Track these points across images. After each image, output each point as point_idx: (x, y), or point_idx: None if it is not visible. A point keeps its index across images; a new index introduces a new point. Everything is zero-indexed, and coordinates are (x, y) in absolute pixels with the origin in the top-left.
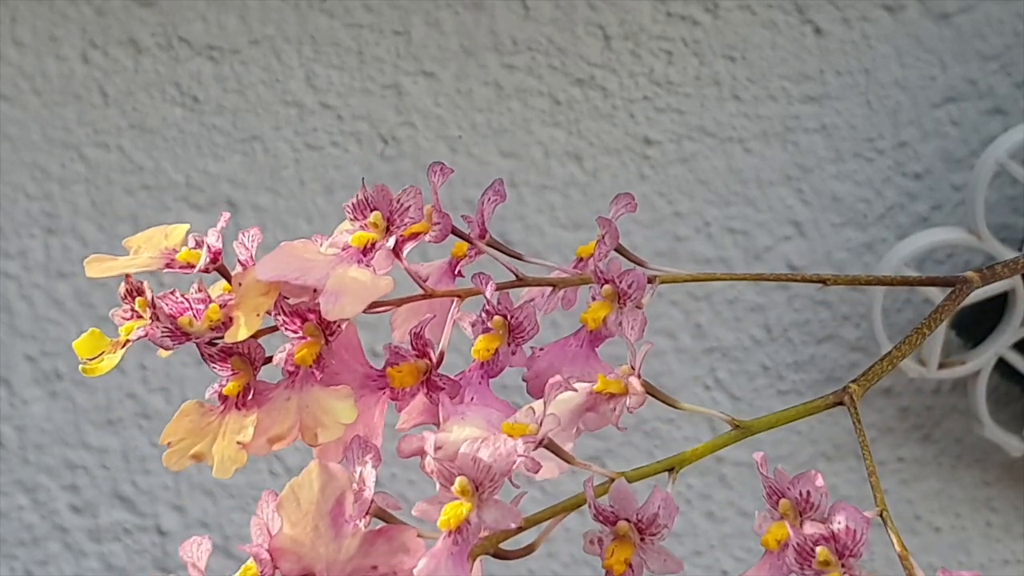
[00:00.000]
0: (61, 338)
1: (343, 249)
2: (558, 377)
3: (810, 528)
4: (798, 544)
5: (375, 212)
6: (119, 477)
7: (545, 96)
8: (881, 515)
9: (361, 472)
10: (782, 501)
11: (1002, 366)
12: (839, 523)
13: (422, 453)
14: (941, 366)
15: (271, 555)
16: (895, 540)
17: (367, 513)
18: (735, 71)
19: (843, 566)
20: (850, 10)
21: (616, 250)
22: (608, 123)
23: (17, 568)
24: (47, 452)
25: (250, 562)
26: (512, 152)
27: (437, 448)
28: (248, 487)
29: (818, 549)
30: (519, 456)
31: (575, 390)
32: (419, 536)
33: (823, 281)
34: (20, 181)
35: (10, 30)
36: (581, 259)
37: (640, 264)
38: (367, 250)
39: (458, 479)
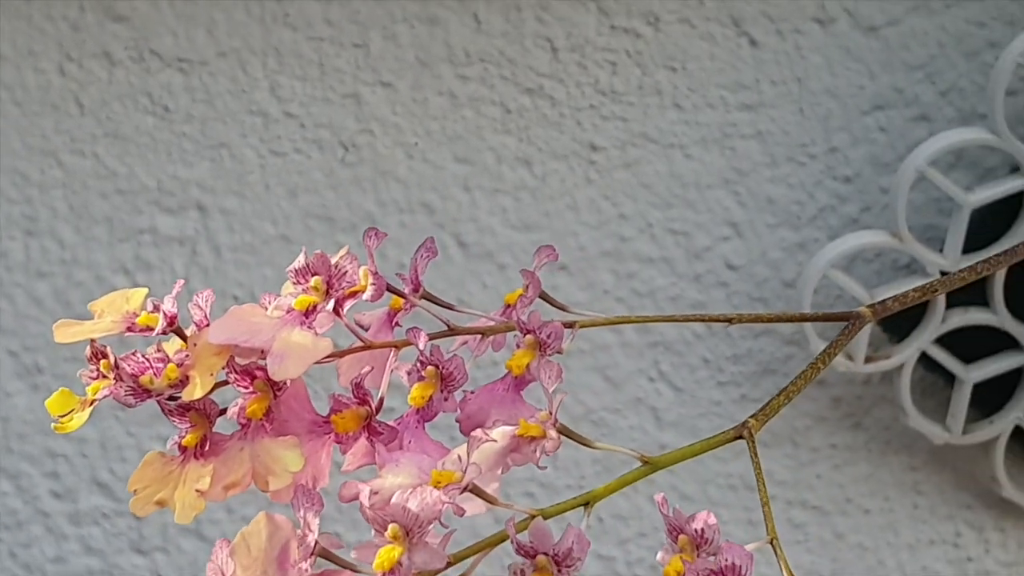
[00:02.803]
0: (41, 334)
1: (287, 312)
2: (480, 431)
3: (701, 564)
4: None
5: (316, 277)
6: (97, 465)
7: (497, 105)
8: (771, 543)
9: (305, 519)
10: (680, 536)
11: (925, 360)
12: (727, 559)
13: (359, 500)
14: (868, 360)
15: None
16: (783, 567)
17: (312, 554)
18: (676, 81)
19: None
20: (783, 23)
21: (541, 296)
22: (556, 130)
23: (2, 550)
24: (29, 441)
25: None
26: (466, 158)
27: (373, 494)
28: None
29: None
30: (445, 503)
31: (495, 440)
32: None
33: (728, 320)
34: (1, 186)
35: None
36: (508, 306)
37: (563, 309)
38: (309, 312)
39: (390, 526)
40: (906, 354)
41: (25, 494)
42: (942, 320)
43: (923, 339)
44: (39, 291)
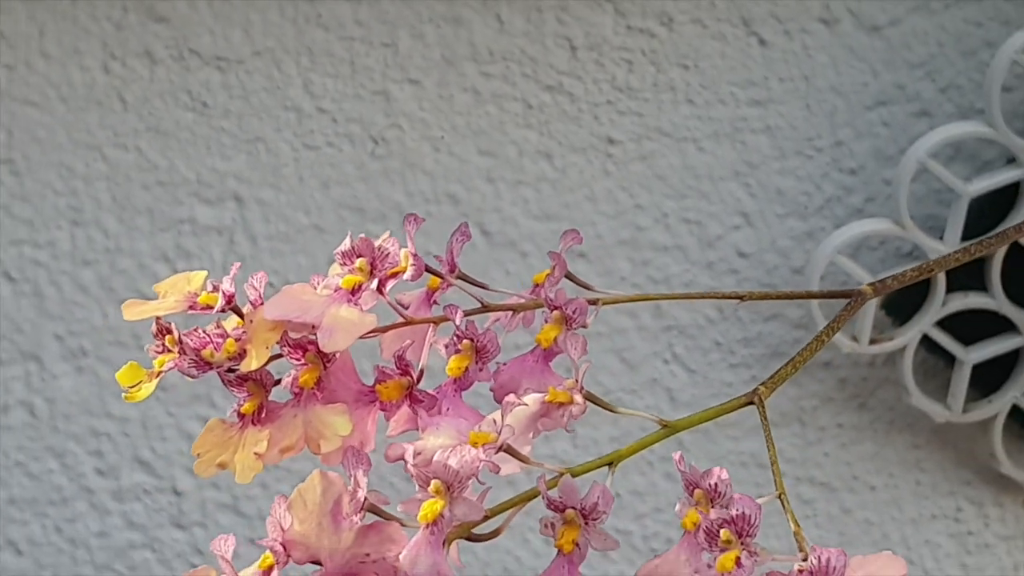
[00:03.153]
0: (86, 319)
1: (335, 291)
2: (513, 396)
3: (715, 514)
4: (707, 527)
5: (360, 258)
6: (139, 444)
7: (518, 101)
8: (780, 498)
9: (355, 477)
10: (696, 491)
11: (927, 342)
12: (737, 509)
13: (404, 459)
14: (872, 342)
15: (284, 547)
16: (791, 520)
17: (361, 509)
18: (688, 78)
19: (742, 544)
20: (791, 23)
21: (566, 276)
22: (575, 125)
23: (48, 525)
24: (74, 421)
25: (267, 553)
26: (489, 151)
27: (416, 455)
28: None
29: (722, 531)
30: (482, 461)
31: (527, 404)
32: (403, 528)
33: (740, 297)
34: (48, 179)
35: (39, 43)
36: (537, 285)
37: (586, 287)
38: (355, 291)
39: (433, 482)
40: (908, 336)
41: (70, 471)
42: (943, 304)
43: (925, 322)
44: (84, 278)
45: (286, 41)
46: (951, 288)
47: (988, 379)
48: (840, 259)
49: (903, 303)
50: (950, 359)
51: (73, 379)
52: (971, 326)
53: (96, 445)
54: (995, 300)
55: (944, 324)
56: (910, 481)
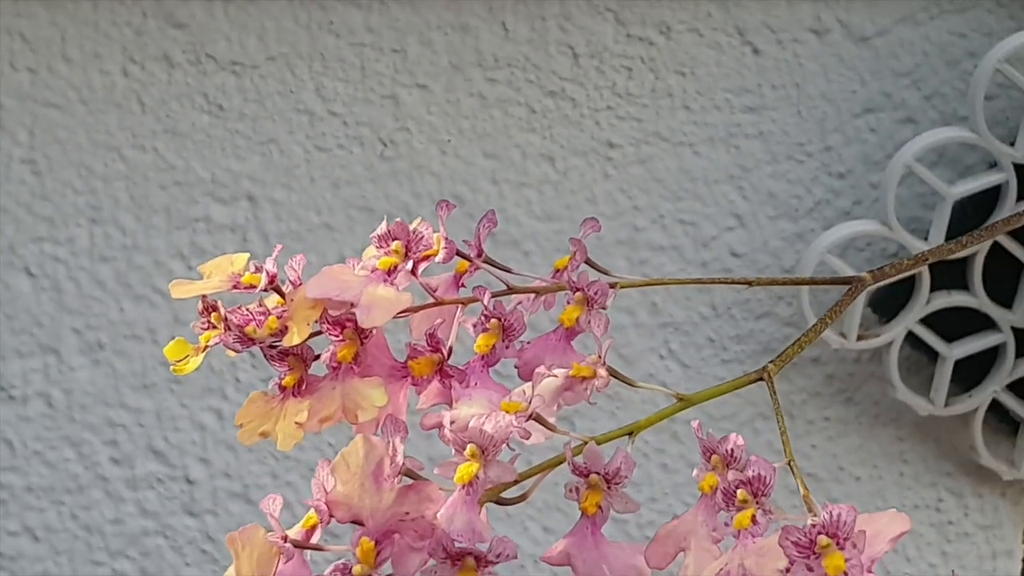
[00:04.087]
0: (103, 314)
1: (372, 271)
2: (542, 368)
3: (732, 475)
4: (724, 488)
5: (396, 241)
6: (153, 434)
7: (522, 106)
8: (789, 464)
9: (393, 443)
10: (713, 456)
11: (912, 338)
12: (753, 471)
13: (440, 426)
14: (859, 338)
15: (328, 507)
16: (799, 483)
17: (399, 473)
18: (685, 85)
19: (757, 503)
20: (783, 33)
21: (586, 262)
22: (577, 129)
23: (64, 512)
24: (90, 412)
25: (311, 512)
26: (494, 154)
27: (452, 422)
28: (265, 443)
29: (738, 491)
30: (514, 427)
31: (556, 376)
32: (440, 489)
33: (748, 283)
34: (68, 178)
35: (60, 48)
36: (558, 270)
37: (605, 273)
38: (391, 271)
39: (468, 446)
40: (894, 332)
41: (86, 460)
42: (927, 302)
43: (909, 319)
44: (102, 274)
45: (299, 47)
46: (935, 287)
47: (969, 374)
48: (829, 258)
49: (889, 301)
50: (933, 355)
51: (90, 371)
52: (954, 323)
53: (111, 435)
54: (977, 299)
55: (928, 321)
56: (894, 472)
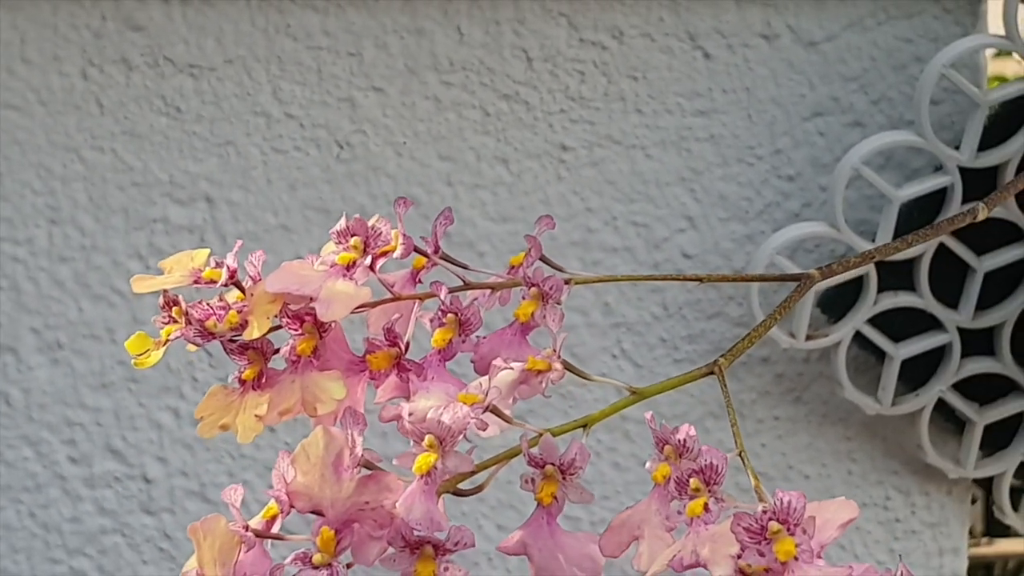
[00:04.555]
0: (62, 313)
1: (331, 266)
2: (499, 360)
3: (685, 465)
4: (677, 477)
5: (355, 237)
6: (111, 433)
7: (477, 109)
8: (740, 455)
9: (352, 434)
10: (666, 446)
11: (860, 338)
12: (705, 459)
13: (399, 418)
14: (808, 338)
15: (288, 497)
16: (750, 474)
17: (358, 464)
18: (637, 89)
19: (710, 491)
20: (733, 38)
21: (540, 259)
22: (530, 132)
23: (22, 511)
24: (49, 411)
25: (272, 503)
26: (449, 156)
27: (410, 414)
28: (221, 442)
29: (691, 480)
30: (471, 418)
31: (512, 369)
32: (398, 479)
33: (699, 279)
34: (27, 179)
35: (20, 50)
36: (513, 267)
37: (559, 270)
38: (350, 267)
39: (426, 436)
40: (842, 332)
41: (44, 459)
42: (874, 302)
43: (857, 319)
44: (61, 274)
45: (256, 50)
46: (882, 288)
47: (916, 374)
48: (779, 259)
49: (837, 302)
50: (881, 355)
51: (48, 371)
52: (901, 324)
53: (70, 434)
54: (923, 299)
55: (876, 322)
56: (842, 471)
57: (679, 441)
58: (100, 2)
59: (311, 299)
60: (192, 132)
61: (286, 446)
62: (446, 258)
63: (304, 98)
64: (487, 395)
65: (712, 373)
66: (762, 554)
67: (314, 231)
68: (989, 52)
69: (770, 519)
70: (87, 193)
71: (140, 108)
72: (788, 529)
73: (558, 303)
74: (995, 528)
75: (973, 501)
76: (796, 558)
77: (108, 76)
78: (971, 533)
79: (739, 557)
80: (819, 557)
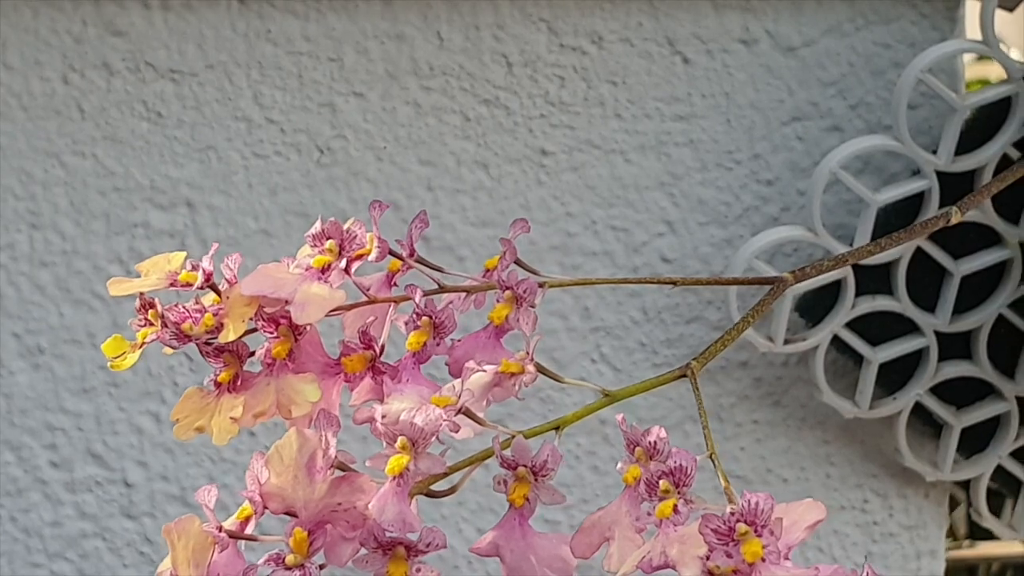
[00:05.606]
0: (43, 318)
1: (306, 269)
2: (472, 363)
3: (655, 466)
4: (647, 479)
5: (330, 240)
6: (92, 437)
7: (457, 113)
8: (711, 457)
9: (326, 436)
10: (637, 448)
11: (837, 342)
12: (675, 461)
13: (372, 420)
14: (786, 342)
15: (262, 498)
16: (720, 475)
17: (331, 466)
18: (617, 94)
19: (679, 493)
20: (712, 43)
21: (515, 262)
22: (510, 137)
23: (3, 515)
24: (30, 416)
25: (246, 504)
26: (429, 161)
27: (383, 416)
28: (201, 447)
29: (661, 482)
30: (444, 420)
31: (485, 371)
32: (371, 481)
33: (673, 283)
34: (8, 184)
35: (0, 55)
36: (488, 270)
37: (534, 273)
38: (325, 270)
39: (399, 438)
40: (820, 336)
41: (25, 464)
42: (852, 306)
43: (835, 323)
44: (41, 279)
45: (237, 55)
46: (860, 292)
47: (893, 378)
48: (757, 263)
49: (815, 306)
50: (859, 359)
51: (29, 375)
52: (878, 328)
53: (51, 439)
54: (900, 303)
55: (853, 326)
56: (820, 474)
57: (649, 443)
58: (81, 7)
59: (286, 302)
60: (173, 137)
61: (266, 450)
62: (421, 261)
63: (285, 103)
64: (460, 397)
65: (685, 376)
66: (730, 555)
67: (294, 235)
68: (970, 56)
69: (738, 520)
70: (68, 198)
71: (121, 113)
72: (756, 530)
73: (532, 306)
74: (978, 531)
75: (956, 504)
76: (763, 559)
77: (89, 81)
78: (954, 536)
79: (707, 558)
80: (787, 558)
